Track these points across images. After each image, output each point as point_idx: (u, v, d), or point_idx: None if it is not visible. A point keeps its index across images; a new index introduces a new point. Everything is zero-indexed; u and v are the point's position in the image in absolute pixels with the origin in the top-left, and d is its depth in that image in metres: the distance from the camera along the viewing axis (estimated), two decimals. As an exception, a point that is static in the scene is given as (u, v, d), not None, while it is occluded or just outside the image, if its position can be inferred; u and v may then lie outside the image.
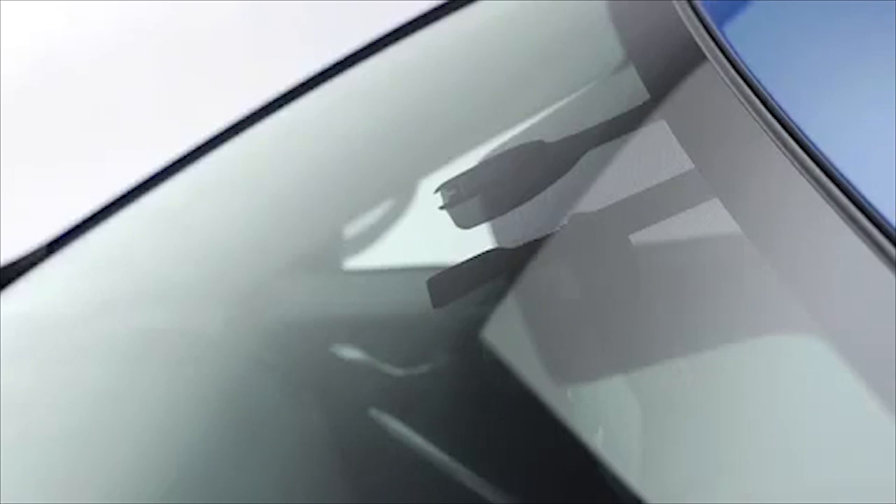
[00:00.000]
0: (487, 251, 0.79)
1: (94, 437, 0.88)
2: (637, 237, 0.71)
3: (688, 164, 0.70)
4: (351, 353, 0.85)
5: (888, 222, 0.57)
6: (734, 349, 0.63)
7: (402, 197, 0.97)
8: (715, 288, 0.65)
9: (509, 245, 0.79)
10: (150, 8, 1.71)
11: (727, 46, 0.74)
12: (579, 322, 0.74)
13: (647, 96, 0.78)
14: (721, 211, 0.65)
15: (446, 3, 1.19)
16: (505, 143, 0.88)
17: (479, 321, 0.77)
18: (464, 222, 0.84)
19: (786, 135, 0.65)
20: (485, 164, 0.87)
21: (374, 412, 0.78)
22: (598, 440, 0.68)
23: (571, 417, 0.69)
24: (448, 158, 0.94)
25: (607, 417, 0.69)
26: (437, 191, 0.86)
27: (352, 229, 0.99)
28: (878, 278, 0.56)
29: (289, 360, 0.87)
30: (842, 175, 0.61)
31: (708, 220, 0.67)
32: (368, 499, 0.74)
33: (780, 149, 0.65)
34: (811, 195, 0.61)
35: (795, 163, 0.63)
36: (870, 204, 0.58)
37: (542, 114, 0.88)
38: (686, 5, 0.81)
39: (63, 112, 1.69)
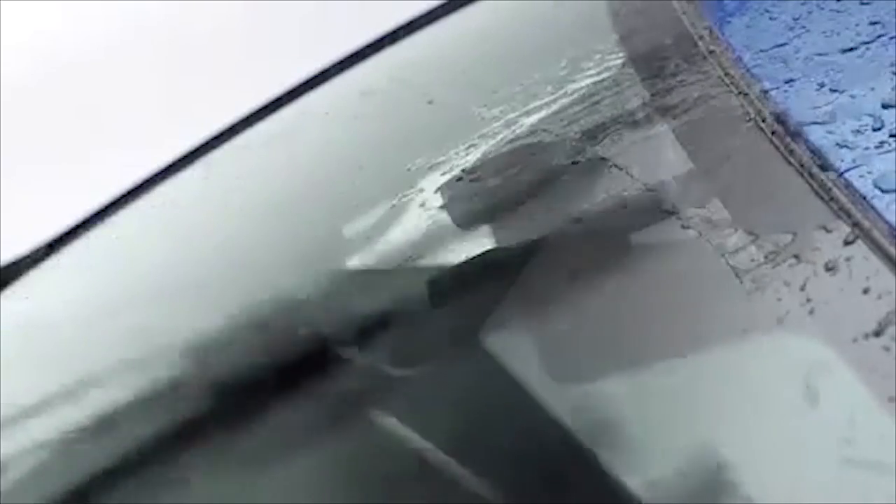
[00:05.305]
0: (487, 251, 0.79)
1: (93, 439, 0.88)
2: (637, 237, 0.71)
3: (688, 164, 0.70)
4: (351, 353, 0.85)
5: (888, 222, 0.57)
6: (734, 349, 0.63)
7: (402, 197, 0.97)
8: (714, 288, 0.65)
9: (509, 245, 0.79)
10: (150, 8, 1.71)
11: (727, 46, 0.74)
12: (579, 322, 0.74)
13: (647, 96, 0.78)
14: (721, 211, 0.65)
15: (446, 3, 1.19)
16: (505, 144, 0.88)
17: (480, 321, 0.77)
18: (464, 222, 0.84)
19: (786, 134, 0.65)
20: (485, 164, 0.87)
21: (374, 412, 0.78)
22: (598, 440, 0.68)
23: (571, 417, 0.69)
24: (448, 158, 0.94)
25: (607, 417, 0.69)
26: (437, 191, 0.86)
27: (352, 229, 0.99)
28: (878, 278, 0.56)
29: (288, 360, 0.87)
30: (841, 175, 0.61)
31: (707, 219, 0.67)
32: (368, 499, 0.74)
33: (779, 149, 0.65)
34: (811, 195, 0.61)
35: (795, 162, 0.63)
36: (870, 204, 0.58)
37: (543, 113, 0.88)
38: (686, 5, 0.81)
39: (63, 112, 1.69)
